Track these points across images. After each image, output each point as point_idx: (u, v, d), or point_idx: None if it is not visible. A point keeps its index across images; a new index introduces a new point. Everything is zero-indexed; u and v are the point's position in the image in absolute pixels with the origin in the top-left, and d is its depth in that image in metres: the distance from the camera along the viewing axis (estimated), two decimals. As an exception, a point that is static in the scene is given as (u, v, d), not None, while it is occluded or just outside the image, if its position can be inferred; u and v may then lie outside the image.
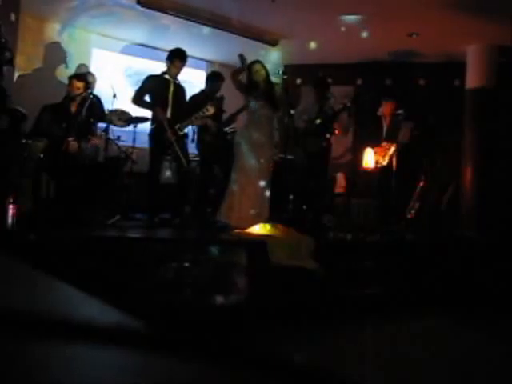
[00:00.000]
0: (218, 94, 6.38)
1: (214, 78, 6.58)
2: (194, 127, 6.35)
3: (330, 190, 7.43)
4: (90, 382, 0.56)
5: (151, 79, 5.84)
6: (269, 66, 5.84)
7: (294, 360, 0.61)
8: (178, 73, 5.87)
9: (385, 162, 7.04)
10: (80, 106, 5.63)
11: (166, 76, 5.84)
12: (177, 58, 5.82)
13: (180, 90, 5.96)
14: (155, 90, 5.72)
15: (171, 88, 5.81)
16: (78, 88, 5.64)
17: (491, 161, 7.51)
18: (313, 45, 7.88)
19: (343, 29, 7.15)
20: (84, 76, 6.16)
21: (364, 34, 7.23)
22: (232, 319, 3.20)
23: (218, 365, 0.62)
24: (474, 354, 2.60)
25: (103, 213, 5.47)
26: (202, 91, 6.51)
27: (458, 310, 3.60)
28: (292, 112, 6.54)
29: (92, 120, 5.76)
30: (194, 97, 6.33)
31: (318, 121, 6.42)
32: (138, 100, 5.76)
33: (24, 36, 6.94)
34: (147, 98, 5.76)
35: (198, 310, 3.44)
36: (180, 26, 7.21)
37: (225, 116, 6.59)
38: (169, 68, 5.83)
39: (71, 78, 5.88)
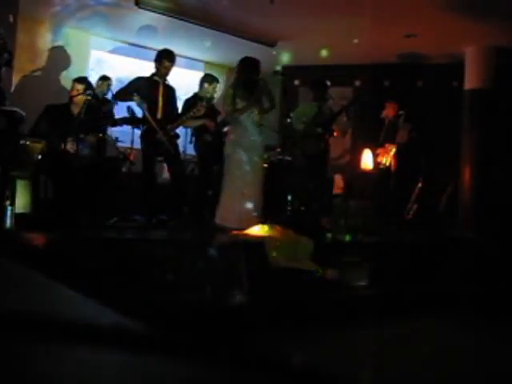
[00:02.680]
0: (209, 95, 6.36)
1: (207, 81, 6.55)
2: (191, 128, 6.36)
3: (329, 191, 7.43)
4: (89, 382, 0.55)
5: (140, 80, 5.86)
6: (268, 67, 5.83)
7: (294, 361, 0.60)
8: (167, 73, 5.88)
9: (388, 163, 7.08)
10: (83, 108, 5.65)
11: (155, 77, 5.85)
12: (165, 58, 5.83)
13: (170, 90, 5.96)
14: (144, 92, 5.71)
15: (160, 89, 5.82)
16: (78, 90, 5.67)
17: (490, 162, 7.51)
18: (311, 46, 7.88)
19: (342, 30, 7.15)
20: (85, 78, 6.17)
21: (362, 36, 7.23)
22: (231, 320, 3.20)
23: (217, 365, 0.62)
24: (473, 354, 2.59)
25: (101, 214, 5.46)
26: (195, 94, 6.50)
27: (457, 310, 3.60)
28: (291, 114, 6.55)
29: (99, 121, 5.79)
30: (187, 100, 6.33)
31: (320, 130, 6.41)
32: (121, 95, 5.78)
33: (22, 37, 6.94)
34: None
35: (196, 311, 3.44)
36: (178, 28, 7.20)
37: (219, 117, 6.57)
38: (158, 69, 5.85)
39: (73, 80, 5.93)
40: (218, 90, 6.63)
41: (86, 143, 5.61)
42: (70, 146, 5.41)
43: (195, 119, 5.98)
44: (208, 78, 6.61)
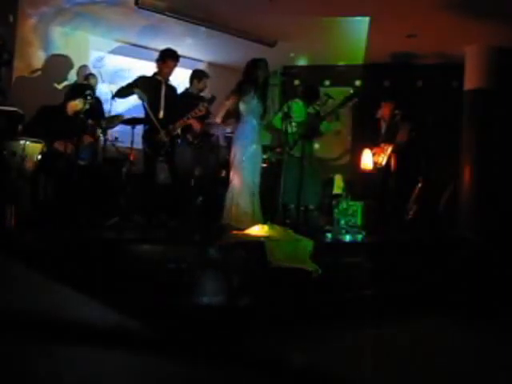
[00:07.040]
0: (210, 94, 6.26)
1: (198, 77, 6.47)
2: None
3: (329, 191, 7.43)
4: (89, 383, 0.55)
5: (142, 79, 5.83)
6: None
7: (294, 361, 0.60)
8: (169, 73, 5.87)
9: (383, 162, 7.06)
10: (83, 109, 5.62)
11: (158, 77, 5.83)
12: (168, 57, 5.81)
13: (172, 90, 5.95)
14: (146, 91, 5.69)
15: (163, 89, 5.81)
16: (77, 105, 5.61)
17: (489, 162, 7.51)
18: (311, 46, 7.88)
19: (342, 30, 7.15)
20: (84, 89, 6.13)
21: (362, 36, 7.23)
22: (231, 321, 3.20)
23: (218, 365, 0.62)
24: (473, 354, 2.60)
25: (101, 214, 5.45)
26: (187, 90, 6.43)
27: (457, 310, 3.60)
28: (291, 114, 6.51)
29: (90, 121, 5.75)
30: (179, 96, 6.27)
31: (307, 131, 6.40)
32: (121, 93, 5.75)
33: (22, 37, 6.93)
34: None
35: (196, 311, 3.44)
36: (177, 28, 7.20)
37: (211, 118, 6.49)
38: (161, 68, 5.83)
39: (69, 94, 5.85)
40: (208, 86, 6.52)
41: (82, 141, 5.55)
42: (69, 146, 5.39)
43: (199, 119, 5.94)
44: (197, 74, 6.53)
